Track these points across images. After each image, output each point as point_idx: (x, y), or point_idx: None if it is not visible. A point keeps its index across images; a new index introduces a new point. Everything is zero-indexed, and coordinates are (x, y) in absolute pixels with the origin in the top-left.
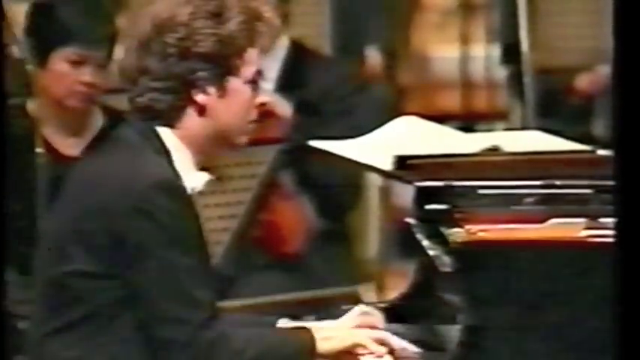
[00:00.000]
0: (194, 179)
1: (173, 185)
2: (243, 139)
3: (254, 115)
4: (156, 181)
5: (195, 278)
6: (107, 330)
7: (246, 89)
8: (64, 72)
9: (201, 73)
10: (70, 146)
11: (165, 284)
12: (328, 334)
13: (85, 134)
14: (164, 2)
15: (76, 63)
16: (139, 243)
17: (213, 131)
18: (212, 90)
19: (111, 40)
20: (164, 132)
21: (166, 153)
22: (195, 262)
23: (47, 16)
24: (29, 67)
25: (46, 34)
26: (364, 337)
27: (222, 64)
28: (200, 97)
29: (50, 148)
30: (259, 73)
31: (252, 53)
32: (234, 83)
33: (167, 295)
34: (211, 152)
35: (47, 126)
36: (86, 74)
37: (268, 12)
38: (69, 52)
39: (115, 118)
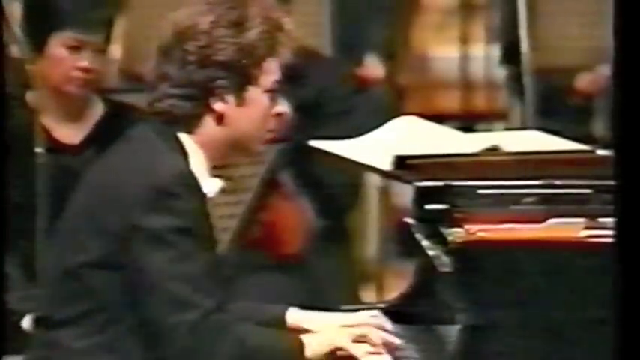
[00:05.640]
0: (207, 186)
1: (191, 179)
2: (259, 147)
3: (271, 124)
4: (175, 174)
5: (204, 268)
6: (117, 322)
7: (265, 98)
8: (62, 57)
9: (220, 82)
10: (70, 135)
11: (177, 269)
12: (308, 340)
13: (85, 122)
14: (185, 10)
15: (74, 48)
16: (153, 232)
17: (230, 139)
18: (231, 98)
19: (108, 24)
20: (182, 136)
21: (184, 154)
22: (208, 255)
23: (43, 1)
24: (29, 66)
25: (42, 18)
26: (343, 339)
27: (242, 73)
28: (218, 105)
29: (50, 138)
30: (277, 83)
31: (271, 63)
32: (253, 92)
33: (175, 279)
34: (226, 158)
35: (47, 115)
36: (84, 59)
37: (289, 24)
38: (66, 36)
39: (115, 108)
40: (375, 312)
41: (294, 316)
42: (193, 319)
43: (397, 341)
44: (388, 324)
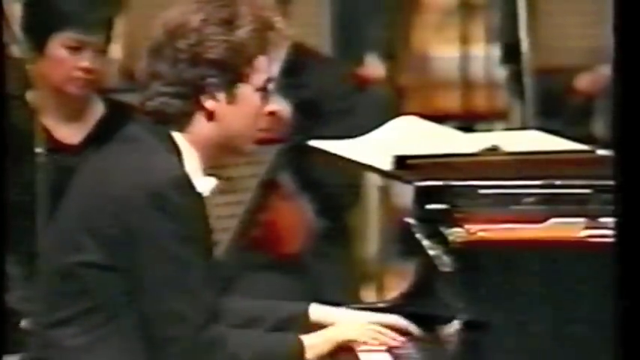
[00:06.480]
0: (201, 184)
1: (187, 183)
2: (250, 146)
3: (263, 122)
4: (170, 177)
5: (201, 277)
6: (112, 322)
7: (256, 97)
8: (62, 58)
9: (210, 80)
10: (70, 135)
11: (172, 281)
12: (315, 341)
13: (85, 122)
14: (176, 8)
15: (74, 48)
16: (150, 237)
17: (222, 137)
18: (221, 96)
19: (108, 24)
20: (175, 135)
21: (178, 154)
22: (202, 261)
23: (43, 1)
24: (29, 65)
25: (42, 19)
26: (356, 332)
27: (232, 71)
28: (209, 103)
29: (50, 138)
30: (269, 81)
31: (262, 61)
32: (244, 90)
33: (173, 292)
34: (219, 157)
35: (47, 115)
36: (84, 60)
37: (279, 22)
38: (66, 37)
39: (115, 107)
40: (397, 317)
41: (318, 311)
42: (186, 335)
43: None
44: (412, 326)
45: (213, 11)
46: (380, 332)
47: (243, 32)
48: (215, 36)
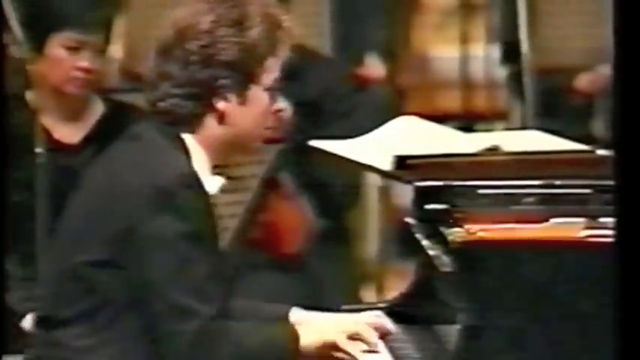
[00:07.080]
0: (209, 183)
1: (195, 181)
2: (258, 145)
3: (271, 121)
4: (178, 175)
5: (207, 273)
6: (117, 323)
7: (266, 96)
8: (61, 58)
9: (223, 81)
10: (70, 135)
11: (178, 275)
12: (303, 331)
13: (85, 122)
14: (185, 9)
15: (73, 48)
16: (157, 234)
17: (231, 137)
18: (233, 97)
19: (107, 24)
20: (184, 136)
21: (186, 154)
22: (208, 257)
23: (43, 1)
24: (29, 65)
25: (41, 19)
26: (337, 335)
27: (244, 72)
28: (221, 104)
29: (50, 138)
30: (277, 81)
31: (272, 61)
32: (255, 91)
33: (179, 286)
34: (226, 156)
35: (46, 115)
36: (83, 60)
37: (288, 21)
38: (65, 37)
39: (115, 107)
40: (378, 312)
41: (298, 316)
42: (191, 329)
43: (391, 327)
44: (390, 324)
45: (223, 12)
46: (367, 331)
47: (254, 33)
48: (227, 37)
